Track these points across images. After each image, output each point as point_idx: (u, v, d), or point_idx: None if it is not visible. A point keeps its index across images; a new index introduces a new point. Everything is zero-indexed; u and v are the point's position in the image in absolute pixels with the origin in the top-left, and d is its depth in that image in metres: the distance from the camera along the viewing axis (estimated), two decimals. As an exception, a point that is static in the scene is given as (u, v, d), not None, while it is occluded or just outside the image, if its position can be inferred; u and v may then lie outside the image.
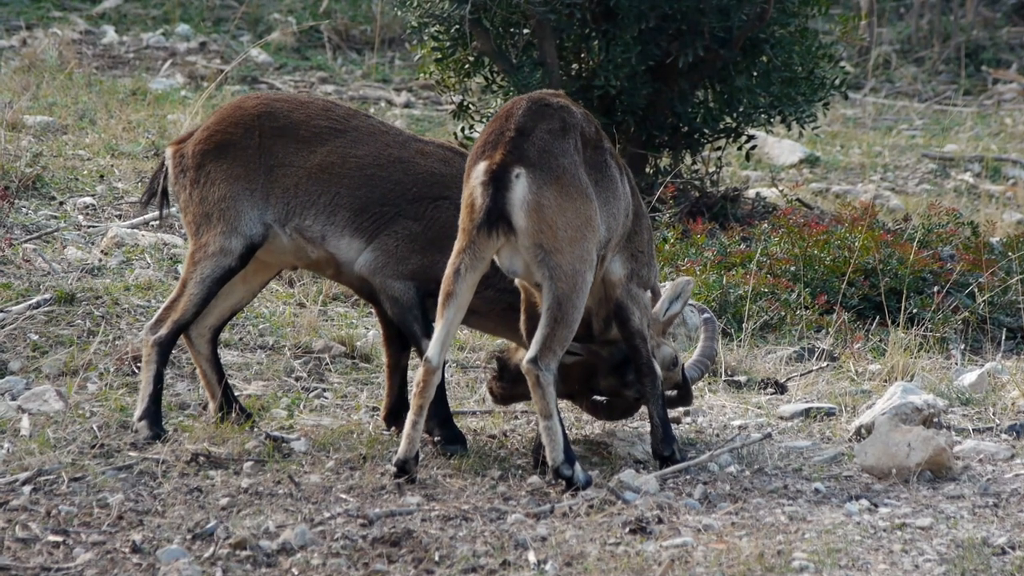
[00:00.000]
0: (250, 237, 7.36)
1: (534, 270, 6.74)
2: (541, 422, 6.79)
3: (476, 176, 6.72)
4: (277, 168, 7.36)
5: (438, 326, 6.77)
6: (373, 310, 7.87)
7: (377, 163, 7.36)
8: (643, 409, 7.40)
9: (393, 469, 6.90)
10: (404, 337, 7.55)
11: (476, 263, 6.73)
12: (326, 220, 7.32)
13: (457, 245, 6.76)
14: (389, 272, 7.30)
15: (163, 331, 7.42)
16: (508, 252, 6.76)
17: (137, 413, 7.43)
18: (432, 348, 6.77)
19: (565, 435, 6.82)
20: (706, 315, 7.70)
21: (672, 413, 7.82)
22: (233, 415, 7.60)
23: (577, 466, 6.86)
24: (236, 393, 7.85)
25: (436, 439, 7.35)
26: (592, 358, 7.31)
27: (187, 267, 7.40)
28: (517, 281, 7.01)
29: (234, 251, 7.36)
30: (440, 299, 6.77)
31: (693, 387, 7.60)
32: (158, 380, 7.42)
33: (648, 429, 7.37)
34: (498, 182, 6.67)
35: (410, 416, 6.82)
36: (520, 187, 6.69)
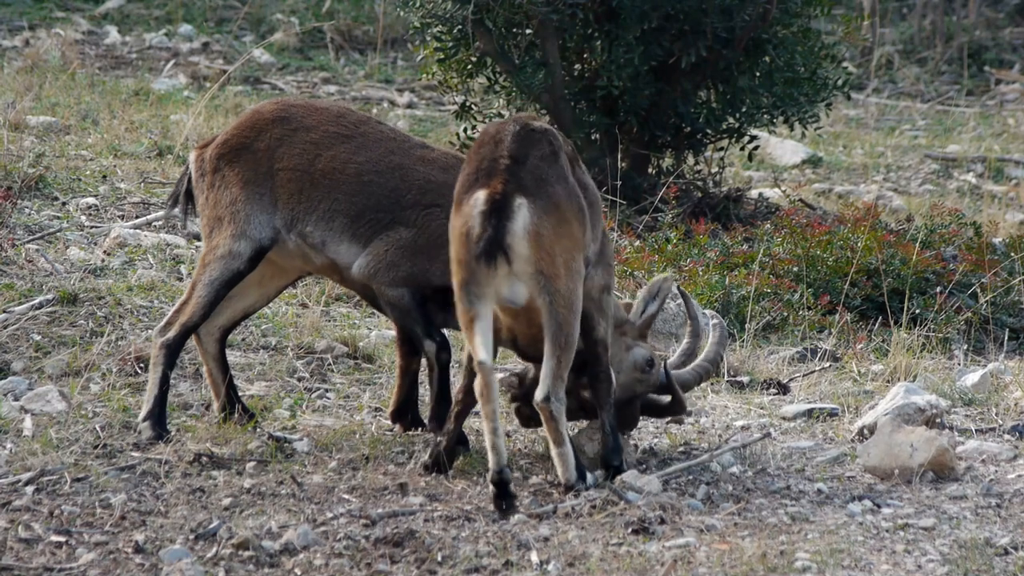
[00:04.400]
0: (259, 240, 7.38)
1: (534, 296, 6.63)
2: (554, 449, 6.72)
3: (475, 205, 6.59)
4: (282, 172, 7.38)
5: (477, 333, 6.56)
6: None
7: (376, 169, 7.36)
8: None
9: (492, 489, 6.66)
10: None
11: (481, 292, 6.58)
12: (325, 226, 7.34)
13: (457, 278, 6.61)
14: (382, 279, 7.30)
15: (171, 333, 7.44)
16: (507, 281, 6.62)
17: (142, 414, 7.44)
18: (480, 351, 6.55)
19: (575, 453, 6.80)
20: (714, 320, 7.63)
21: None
22: (236, 415, 7.62)
23: (588, 475, 6.84)
24: (239, 393, 7.85)
25: (438, 438, 7.34)
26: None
27: (197, 269, 7.44)
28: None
29: (243, 254, 7.38)
30: (466, 325, 6.58)
31: (693, 391, 7.52)
32: (164, 382, 7.44)
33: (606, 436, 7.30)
34: (500, 212, 6.56)
35: (487, 425, 6.60)
36: (522, 217, 6.57)
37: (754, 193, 13.21)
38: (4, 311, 8.82)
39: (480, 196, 6.60)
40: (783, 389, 8.85)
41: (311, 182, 7.35)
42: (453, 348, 7.52)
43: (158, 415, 7.41)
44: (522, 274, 6.60)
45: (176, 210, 7.68)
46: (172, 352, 7.45)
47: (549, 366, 6.64)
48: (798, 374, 9.12)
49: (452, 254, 6.67)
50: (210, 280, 7.40)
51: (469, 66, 12.21)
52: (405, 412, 7.57)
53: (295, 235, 7.36)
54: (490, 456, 6.63)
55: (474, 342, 6.59)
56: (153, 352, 7.47)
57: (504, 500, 6.62)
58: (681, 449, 7.61)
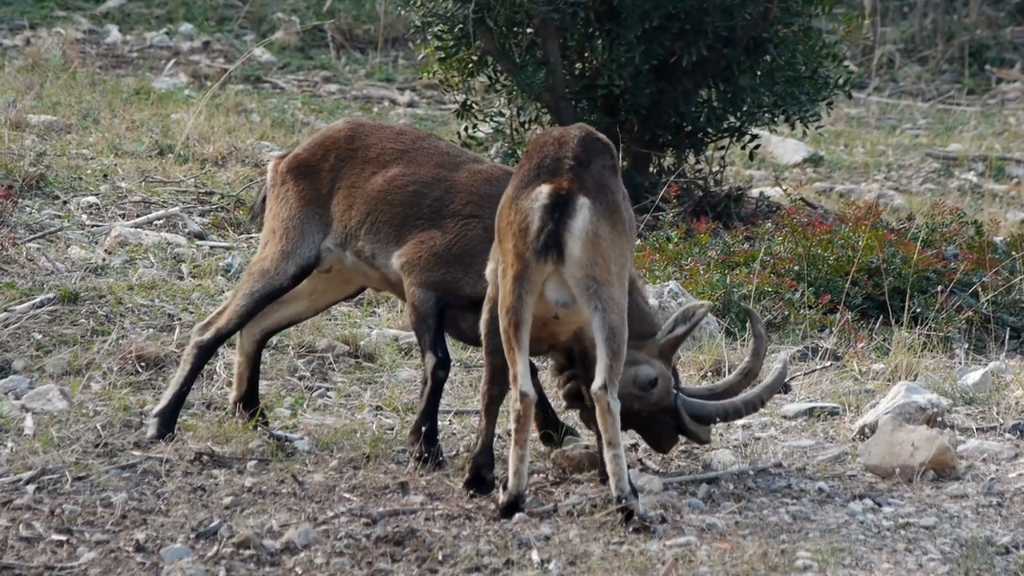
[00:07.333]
0: (305, 260, 7.41)
1: (582, 302, 6.51)
2: (608, 451, 6.51)
3: (536, 198, 6.50)
4: (341, 191, 7.39)
5: (519, 359, 6.52)
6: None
7: (422, 181, 7.32)
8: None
9: (504, 500, 6.61)
10: None
11: (532, 288, 6.51)
12: (374, 238, 7.32)
13: (511, 272, 6.51)
14: (415, 277, 7.24)
15: (207, 335, 7.46)
16: (555, 282, 6.53)
17: (155, 409, 7.43)
18: (524, 383, 6.52)
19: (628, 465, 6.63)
20: (779, 364, 7.38)
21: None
22: (237, 413, 7.60)
23: (640, 497, 6.68)
24: (258, 396, 7.79)
25: (415, 450, 7.23)
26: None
27: (243, 276, 7.51)
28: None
29: (287, 272, 7.41)
30: (511, 332, 6.51)
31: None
32: (187, 382, 7.45)
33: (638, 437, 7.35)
34: (563, 208, 6.47)
35: (514, 451, 6.54)
36: (582, 216, 6.48)
37: (755, 192, 13.21)
38: (5, 310, 8.82)
39: (544, 190, 6.51)
40: (784, 388, 8.84)
41: (364, 197, 7.35)
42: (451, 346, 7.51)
43: (169, 415, 7.40)
44: (570, 276, 6.50)
45: (258, 220, 7.75)
46: (203, 354, 7.48)
47: (605, 362, 6.50)
48: (799, 373, 9.12)
49: (507, 249, 6.55)
50: (251, 292, 7.43)
51: (470, 65, 12.20)
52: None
53: (351, 252, 7.36)
54: (511, 479, 6.58)
55: (517, 368, 6.53)
56: (186, 349, 7.50)
57: (508, 516, 6.60)
58: (682, 447, 7.61)
